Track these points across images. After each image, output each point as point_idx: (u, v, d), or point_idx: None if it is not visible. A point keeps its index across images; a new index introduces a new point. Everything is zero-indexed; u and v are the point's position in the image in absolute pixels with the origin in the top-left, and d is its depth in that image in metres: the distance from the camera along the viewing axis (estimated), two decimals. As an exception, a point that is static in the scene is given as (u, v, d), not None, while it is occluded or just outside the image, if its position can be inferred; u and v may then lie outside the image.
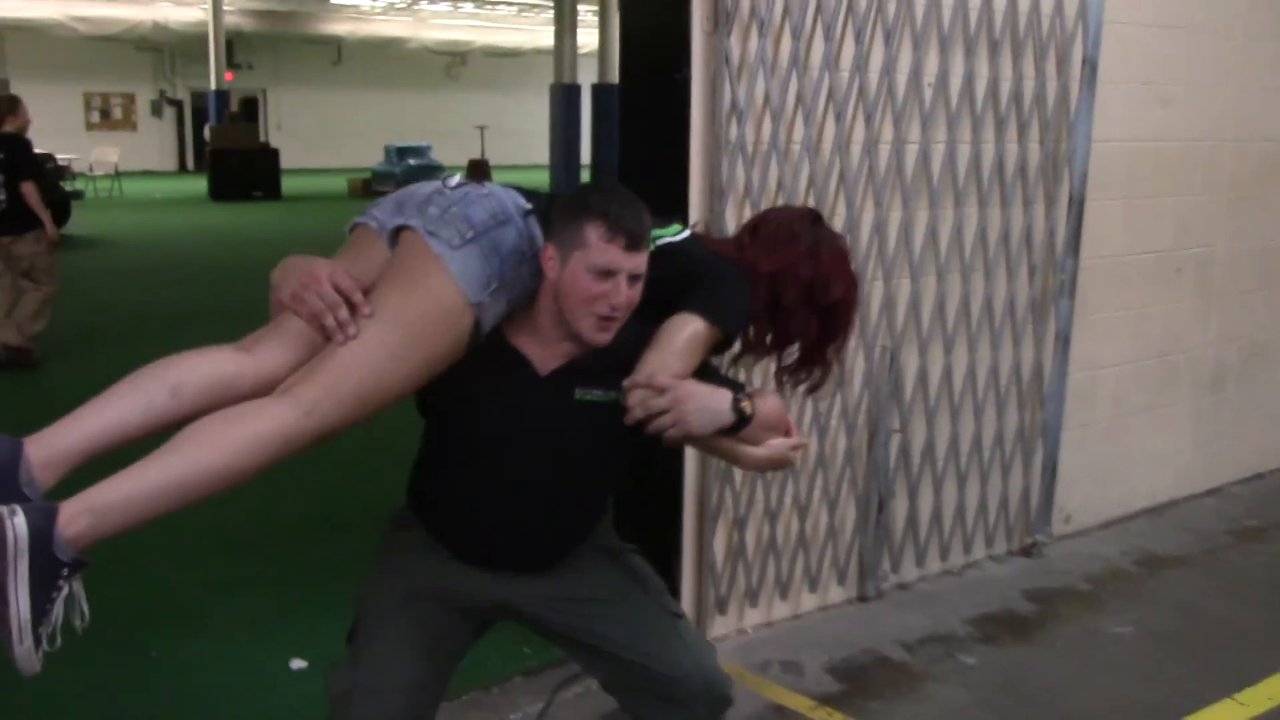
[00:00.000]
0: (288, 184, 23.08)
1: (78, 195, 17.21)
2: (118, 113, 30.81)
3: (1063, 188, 4.65)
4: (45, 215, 7.94)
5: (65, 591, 1.85)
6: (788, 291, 2.40)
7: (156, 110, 31.13)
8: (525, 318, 2.24)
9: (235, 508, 5.32)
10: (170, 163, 31.44)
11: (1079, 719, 3.65)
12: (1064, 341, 4.77)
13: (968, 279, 4.43)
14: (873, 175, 4.08)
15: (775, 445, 2.27)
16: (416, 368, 2.08)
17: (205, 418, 1.95)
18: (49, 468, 1.90)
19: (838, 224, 4.02)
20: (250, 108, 25.69)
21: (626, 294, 2.12)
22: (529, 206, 2.21)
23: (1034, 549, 4.91)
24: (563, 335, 2.22)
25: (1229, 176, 5.47)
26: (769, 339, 2.49)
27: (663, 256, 2.26)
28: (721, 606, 4.02)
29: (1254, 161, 5.56)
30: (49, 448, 1.91)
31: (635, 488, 3.49)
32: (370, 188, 23.34)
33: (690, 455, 3.85)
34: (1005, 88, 4.40)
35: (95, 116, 30.37)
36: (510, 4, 28.97)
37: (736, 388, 2.26)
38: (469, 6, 30.04)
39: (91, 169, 22.90)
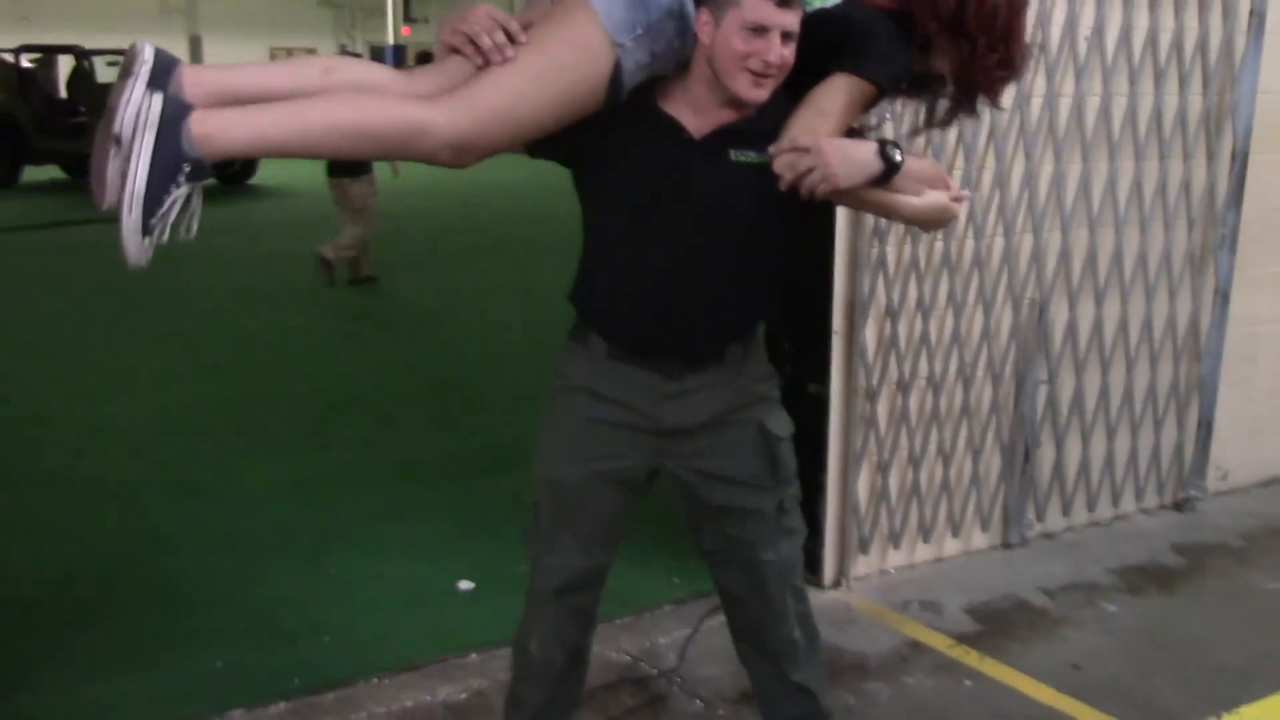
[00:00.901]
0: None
1: (264, 147, 17.90)
2: (301, 66, 32.01)
3: (1225, 140, 4.59)
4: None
5: (182, 190, 2.00)
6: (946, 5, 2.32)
7: (337, 64, 32.23)
8: (679, 87, 2.33)
9: (411, 443, 5.73)
10: (350, 115, 32.53)
11: (1220, 670, 3.67)
12: (1223, 296, 4.72)
13: (1121, 231, 4.43)
14: (1024, 129, 4.11)
15: (934, 195, 2.31)
16: (555, 96, 2.18)
17: (350, 90, 2.13)
18: (196, 89, 2.04)
19: (986, 177, 4.09)
20: (427, 60, 26.33)
21: (779, 51, 2.19)
22: None
23: (1187, 504, 4.89)
24: (718, 101, 2.29)
25: None
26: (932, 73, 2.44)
27: (817, 23, 2.31)
28: (864, 546, 4.16)
29: None
30: (203, 75, 2.07)
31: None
32: None
33: (835, 400, 3.98)
34: (1166, 39, 4.36)
35: (280, 70, 31.61)
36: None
37: (889, 142, 2.29)
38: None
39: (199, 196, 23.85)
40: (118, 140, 1.95)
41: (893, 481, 4.17)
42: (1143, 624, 3.97)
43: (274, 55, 31.20)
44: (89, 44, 17.30)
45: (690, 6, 2.26)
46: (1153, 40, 4.34)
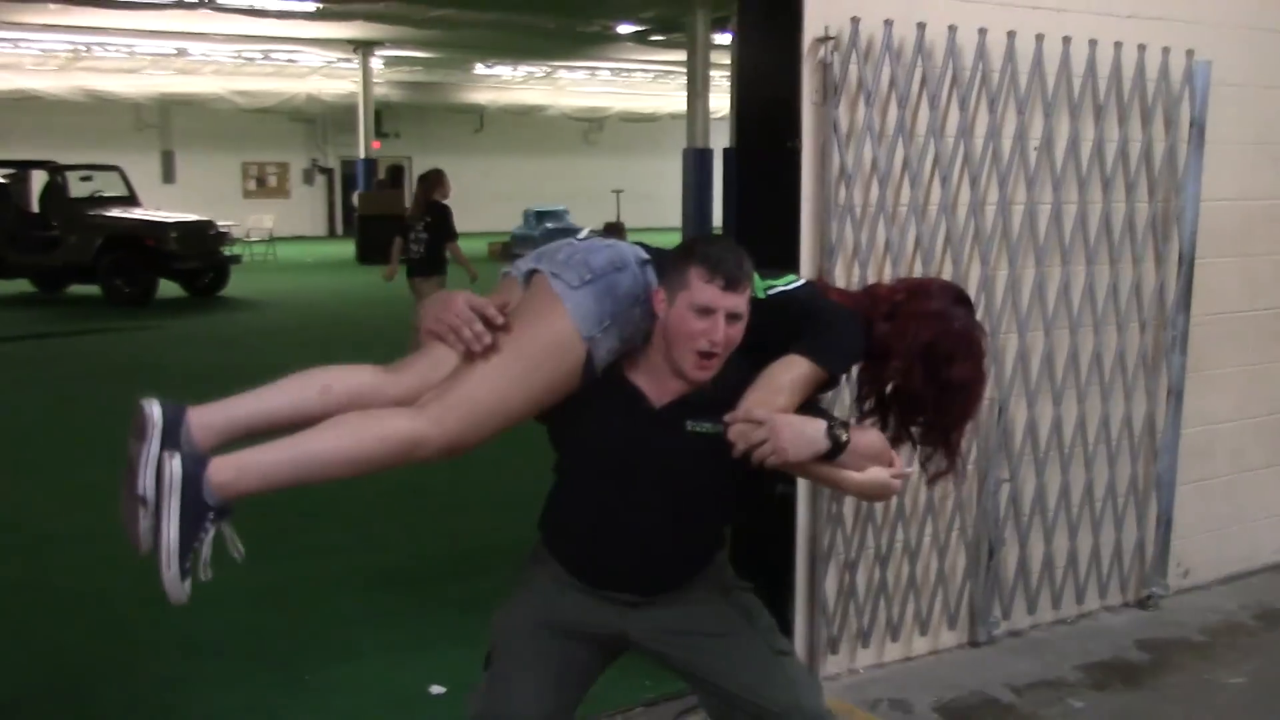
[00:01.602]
0: (431, 247, 23.95)
1: (235, 260, 18.14)
2: (272, 180, 32.31)
3: (1172, 245, 4.77)
4: (470, 267, 9.43)
5: (211, 533, 2.17)
6: (903, 342, 2.53)
7: (308, 178, 32.58)
8: (642, 357, 2.49)
9: (383, 548, 5.74)
10: (321, 228, 32.77)
11: (1185, 763, 3.74)
12: (1177, 396, 4.86)
13: (1076, 333, 4.57)
14: (978, 235, 4.27)
15: (876, 472, 2.42)
16: (534, 391, 2.35)
17: (348, 413, 2.27)
18: (205, 432, 2.22)
19: (945, 281, 4.23)
20: (397, 175, 26.67)
21: (725, 331, 2.35)
22: (647, 257, 2.48)
23: (1149, 601, 4.97)
24: (673, 372, 2.44)
25: (1350, 233, 5.49)
26: (884, 399, 2.64)
27: (774, 304, 2.48)
28: (834, 646, 4.20)
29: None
30: (208, 416, 2.24)
31: (750, 530, 3.74)
32: (510, 251, 24.05)
33: (802, 499, 4.07)
34: (1111, 149, 4.56)
35: (252, 184, 31.89)
36: (645, 71, 29.63)
37: (838, 421, 2.41)
38: (606, 74, 30.80)
39: (248, 234, 24.09)
40: (143, 501, 2.13)
41: (860, 579, 4.23)
42: (1108, 719, 4.02)
43: (245, 169, 31.54)
44: (65, 159, 17.49)
45: (653, 284, 2.43)
46: (1099, 150, 4.53)
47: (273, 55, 26.46)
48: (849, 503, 4.14)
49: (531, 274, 2.47)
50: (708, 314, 2.34)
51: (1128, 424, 4.79)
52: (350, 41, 24.80)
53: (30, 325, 14.24)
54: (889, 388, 2.63)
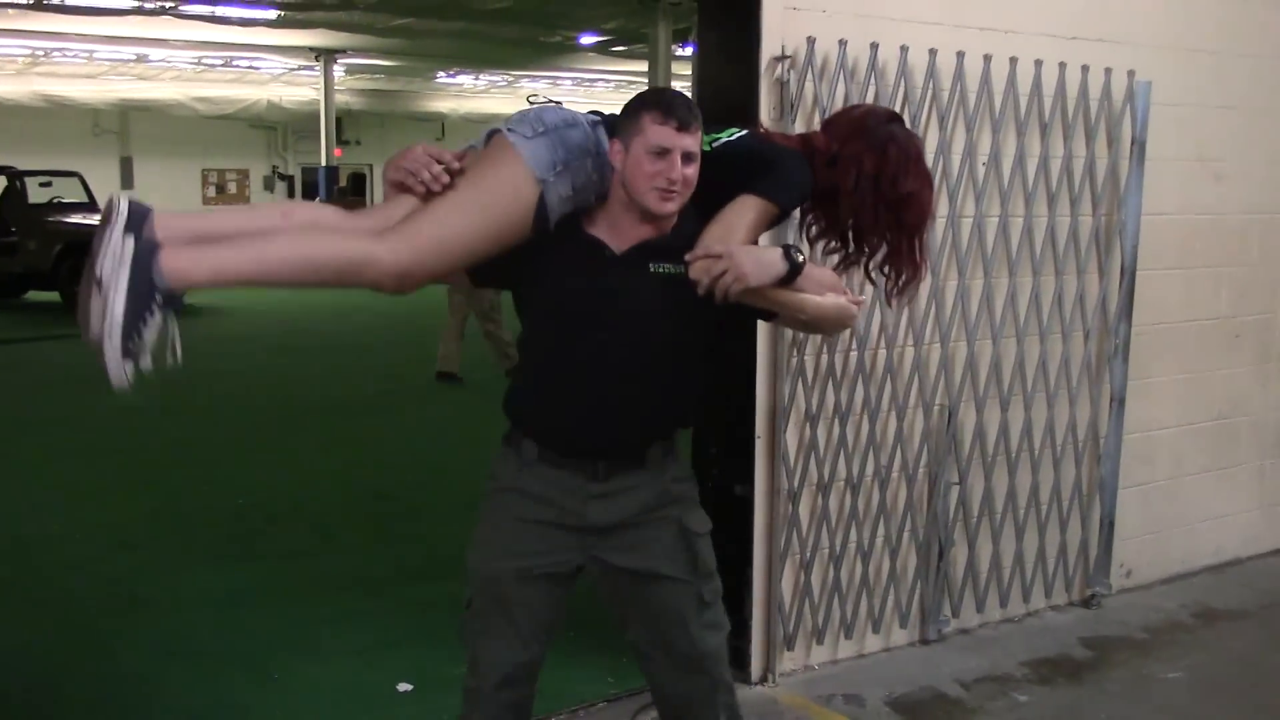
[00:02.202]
0: (392, 255, 23.96)
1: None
2: (232, 187, 32.19)
3: (1114, 257, 4.96)
4: None
5: (156, 317, 2.23)
6: (849, 178, 2.67)
7: (269, 185, 32.48)
8: (601, 213, 2.61)
9: (349, 551, 5.83)
10: (281, 235, 32.68)
11: (1123, 753, 3.91)
12: (1119, 403, 5.05)
13: (1022, 341, 4.75)
14: (928, 248, 4.43)
15: (834, 297, 2.56)
16: (485, 229, 2.47)
17: (307, 229, 2.41)
18: (168, 230, 2.30)
19: (897, 291, 4.39)
20: (359, 182, 26.66)
21: (681, 170, 2.48)
22: (597, 119, 2.63)
23: (1093, 600, 5.15)
24: (635, 220, 2.57)
25: (1286, 247, 5.72)
26: (843, 230, 2.76)
27: (722, 155, 2.62)
28: (789, 643, 4.35)
29: (1312, 232, 5.80)
30: (173, 220, 2.33)
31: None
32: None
33: (760, 501, 4.21)
34: (1056, 165, 4.74)
35: (212, 191, 31.77)
36: (607, 81, 29.81)
37: (793, 246, 2.55)
38: (568, 84, 30.95)
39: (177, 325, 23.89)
40: (99, 283, 2.20)
41: (815, 579, 4.38)
42: (1051, 712, 4.19)
43: (205, 176, 31.42)
44: (22, 165, 17.40)
45: (604, 144, 2.57)
46: (1045, 166, 4.72)
47: (234, 62, 26.39)
48: (804, 503, 4.29)
49: (490, 138, 2.60)
50: (664, 154, 2.47)
51: (1072, 429, 4.98)
52: (312, 49, 24.76)
53: (-11, 331, 14.19)
54: (848, 225, 2.75)
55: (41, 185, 17.19)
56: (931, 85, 4.35)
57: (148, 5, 17.73)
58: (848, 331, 4.23)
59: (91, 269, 2.21)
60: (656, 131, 2.47)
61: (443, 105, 32.11)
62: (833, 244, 2.84)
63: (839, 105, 4.13)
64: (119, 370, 2.21)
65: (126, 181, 29.29)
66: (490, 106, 32.65)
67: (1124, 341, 5.01)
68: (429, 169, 2.48)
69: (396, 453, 8.12)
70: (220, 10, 18.61)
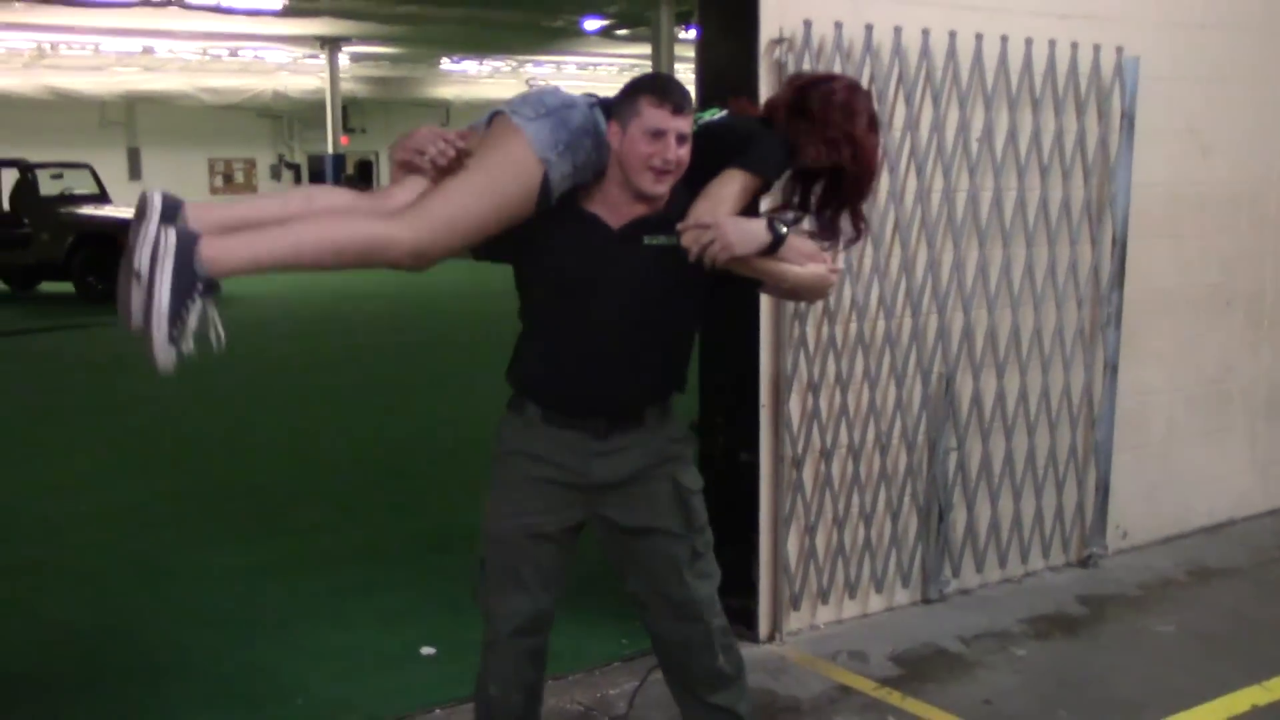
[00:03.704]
0: (400, 241, 24.12)
1: (207, 255, 18.30)
2: (239, 176, 32.38)
3: (1106, 228, 5.12)
4: None
5: (199, 305, 2.41)
6: (814, 141, 2.80)
7: (275, 174, 32.65)
8: (598, 190, 2.79)
9: (369, 526, 6.02)
10: (290, 223, 32.84)
11: (1115, 701, 4.08)
12: (1112, 369, 5.21)
13: (1017, 310, 4.91)
14: (925, 221, 4.60)
15: (815, 267, 2.76)
16: (494, 207, 2.64)
17: (331, 213, 2.60)
18: (200, 221, 2.48)
19: (894, 264, 4.56)
20: (365, 169, 26.88)
21: (675, 151, 2.65)
22: (595, 101, 2.80)
23: (1090, 560, 5.32)
24: (630, 198, 2.73)
25: (1276, 215, 5.86)
26: (804, 180, 2.92)
27: (706, 134, 2.81)
28: (795, 603, 4.53)
29: (1301, 201, 5.95)
30: (203, 211, 2.52)
31: (716, 495, 4.05)
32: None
33: (765, 468, 4.38)
34: (1047, 139, 4.90)
35: (219, 180, 31.95)
36: (611, 65, 29.90)
37: (776, 217, 2.73)
38: (572, 68, 31.04)
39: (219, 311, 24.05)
40: (138, 275, 2.37)
41: (820, 542, 4.56)
42: (1049, 665, 4.37)
43: (212, 165, 31.59)
44: (30, 157, 17.57)
45: (603, 125, 2.74)
46: (1036, 139, 4.87)
47: (239, 52, 26.52)
48: (809, 469, 4.46)
49: (493, 120, 2.77)
50: (659, 136, 2.65)
51: (1067, 395, 5.14)
52: (317, 38, 24.92)
53: (4, 322, 14.38)
54: (817, 182, 2.91)
55: (53, 177, 17.37)
56: (925, 64, 4.51)
57: (154, -3, 17.87)
58: (846, 302, 4.42)
59: (130, 262, 2.38)
60: (653, 114, 2.64)
61: (447, 91, 32.23)
62: (791, 208, 2.97)
63: (835, 85, 4.29)
64: (166, 356, 2.38)
65: (134, 172, 29.47)
66: (494, 92, 32.71)
67: (1116, 309, 5.17)
68: (434, 145, 2.66)
69: (411, 432, 8.31)
70: (225, 1, 18.74)
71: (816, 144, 2.82)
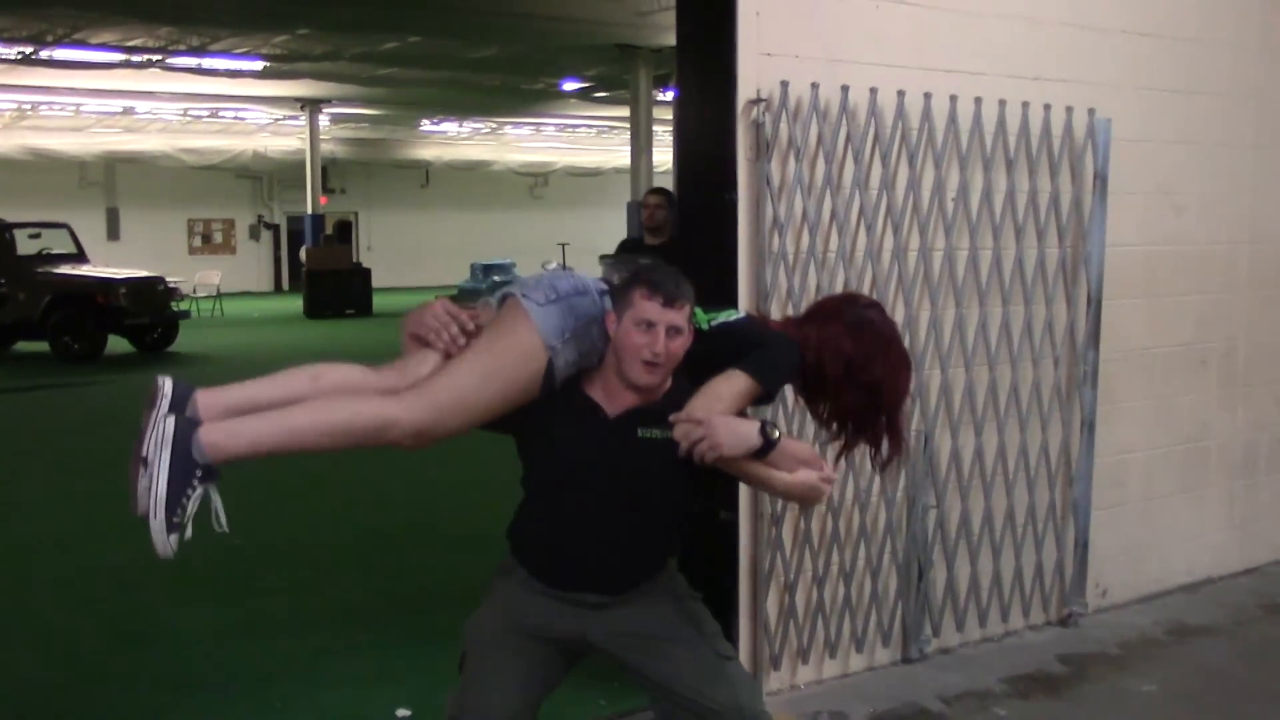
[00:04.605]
0: (379, 302, 24.17)
1: (184, 315, 18.31)
2: (218, 237, 32.41)
3: (1081, 287, 5.16)
4: None
5: (199, 491, 2.44)
6: (830, 365, 2.86)
7: (254, 234, 32.72)
8: (599, 375, 2.82)
9: (347, 586, 5.96)
10: (267, 283, 32.86)
11: (1098, 761, 4.06)
12: (1089, 427, 5.23)
13: (994, 368, 4.94)
14: (902, 279, 4.64)
15: (805, 474, 2.72)
16: (499, 391, 2.68)
17: (332, 395, 2.61)
18: (209, 409, 2.54)
19: (872, 321, 4.57)
20: (344, 230, 26.92)
21: (665, 343, 2.68)
22: (605, 288, 2.83)
23: (1070, 619, 5.31)
24: (625, 385, 2.76)
25: (1247, 275, 5.93)
26: (830, 413, 2.94)
27: (718, 333, 2.83)
28: (775, 663, 4.50)
29: (1272, 261, 6.02)
30: (213, 396, 2.57)
31: (696, 553, 4.03)
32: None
33: (744, 525, 4.37)
34: (1022, 199, 4.95)
35: (198, 241, 31.98)
36: (590, 127, 30.16)
37: (770, 423, 2.73)
38: (551, 129, 31.30)
39: (195, 290, 24.17)
40: (144, 461, 2.42)
41: (799, 600, 4.53)
42: (1030, 725, 4.34)
43: (191, 226, 31.60)
44: (8, 217, 17.56)
45: (609, 308, 2.77)
46: (1011, 200, 4.93)
47: (220, 113, 26.67)
48: (788, 527, 4.45)
49: (504, 300, 2.81)
50: (650, 328, 2.67)
51: (1045, 453, 5.16)
52: (298, 99, 25.10)
53: (-21, 383, 14.30)
54: (831, 408, 2.94)
55: (30, 237, 17.35)
56: (901, 125, 4.57)
57: (135, 59, 17.97)
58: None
59: (138, 448, 2.43)
60: (644, 306, 2.68)
61: (427, 153, 32.43)
62: (820, 426, 3.03)
63: (813, 145, 4.35)
64: (164, 543, 2.42)
65: (113, 233, 29.49)
66: (474, 153, 33.00)
67: (1093, 368, 5.20)
68: (449, 330, 2.71)
69: (388, 492, 8.24)
70: (207, 62, 18.86)
71: (832, 368, 2.86)
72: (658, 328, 2.68)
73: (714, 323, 2.86)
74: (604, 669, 3.74)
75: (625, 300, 2.71)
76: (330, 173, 30.59)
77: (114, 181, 29.96)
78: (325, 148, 28.89)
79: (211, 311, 23.63)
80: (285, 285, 32.46)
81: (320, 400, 2.58)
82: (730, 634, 4.33)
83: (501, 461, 3.13)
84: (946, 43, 4.75)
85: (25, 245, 17.09)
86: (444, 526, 7.01)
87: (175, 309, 17.81)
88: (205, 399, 2.54)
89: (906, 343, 4.57)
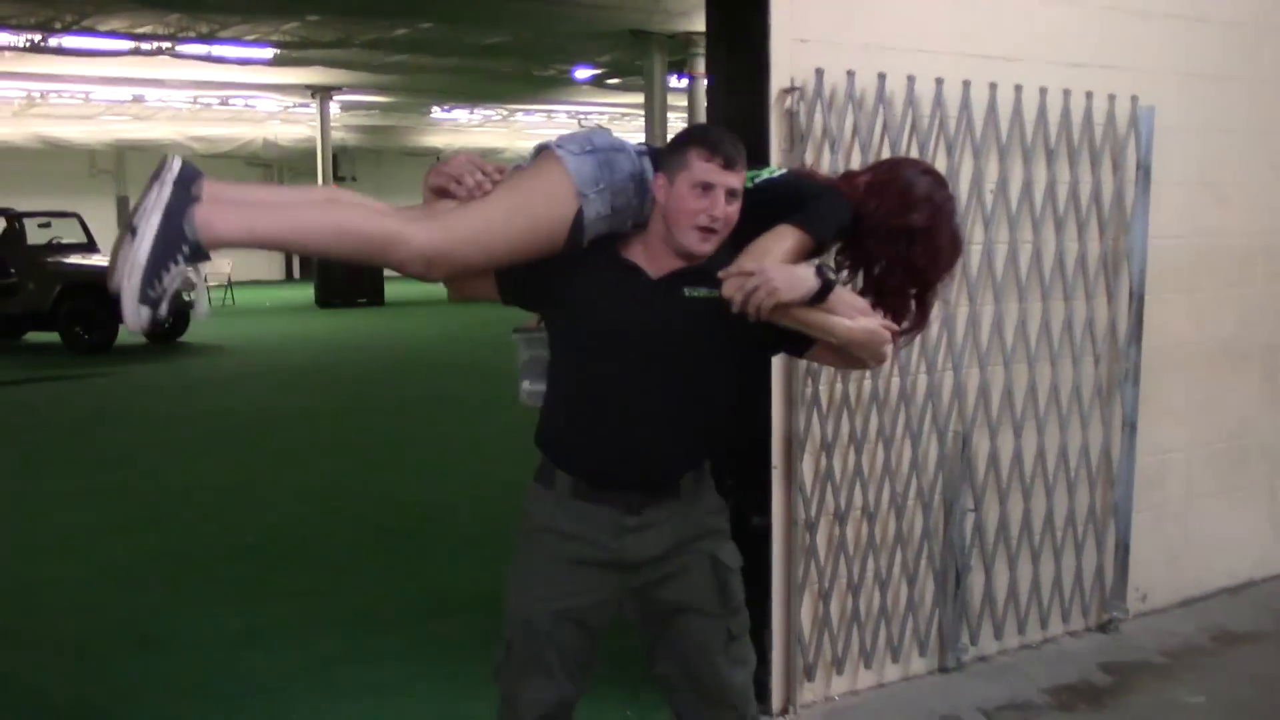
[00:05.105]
0: (390, 291, 24.00)
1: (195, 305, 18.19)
2: (229, 225, 32.27)
3: (1122, 282, 4.98)
4: None
5: (181, 268, 2.26)
6: (876, 228, 2.66)
7: (265, 222, 32.57)
8: (639, 241, 2.63)
9: (361, 590, 5.81)
10: (278, 272, 32.74)
11: (1148, 778, 3.89)
12: (1130, 427, 5.05)
13: (1034, 367, 4.76)
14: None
15: (866, 321, 2.53)
16: (521, 231, 2.50)
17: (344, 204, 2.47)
18: (213, 197, 2.35)
19: (909, 319, 4.40)
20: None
21: (724, 207, 2.49)
22: (644, 149, 2.64)
23: (1110, 625, 5.13)
24: (671, 251, 2.58)
25: (1292, 267, 5.74)
26: (865, 278, 2.76)
27: (763, 191, 2.64)
28: (809, 674, 4.33)
29: (1317, 252, 5.82)
30: (223, 186, 2.39)
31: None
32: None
33: (777, 532, 4.20)
34: (1063, 190, 4.76)
35: (208, 230, 31.83)
36: (602, 113, 29.94)
37: (826, 264, 2.53)
38: (563, 116, 31.07)
39: (206, 279, 24.02)
40: (133, 230, 2.23)
41: (834, 609, 4.37)
42: (1076, 739, 4.17)
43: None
44: (18, 206, 17.44)
45: (649, 173, 2.58)
46: (1051, 192, 4.74)
47: (230, 101, 26.48)
48: (822, 533, 4.28)
49: (539, 152, 2.63)
50: (708, 190, 2.48)
51: (1085, 454, 4.98)
52: (308, 87, 24.87)
53: (-9, 373, 14.19)
54: (877, 267, 2.74)
55: (40, 226, 17.24)
56: (939, 114, 4.38)
57: (145, 46, 17.80)
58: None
59: (130, 219, 2.26)
60: (702, 168, 2.48)
61: (438, 140, 32.23)
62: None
63: (848, 135, 4.17)
64: (134, 313, 2.22)
65: (124, 221, 29.32)
66: (486, 141, 32.79)
67: (1134, 365, 5.02)
68: (473, 175, 2.52)
69: (404, 490, 8.09)
70: (217, 50, 18.68)
71: (883, 225, 2.67)
72: (716, 190, 2.49)
73: (758, 179, 2.67)
74: (633, 679, 3.60)
75: (679, 162, 2.51)
76: (341, 160, 30.42)
77: (124, 170, 29.79)
78: (336, 135, 28.68)
79: (223, 301, 23.51)
80: (296, 274, 32.34)
81: (333, 201, 2.44)
82: (763, 644, 4.17)
83: (523, 455, 2.95)
84: (986, 28, 4.56)
85: (35, 235, 16.99)
86: (461, 525, 6.84)
87: (186, 299, 17.67)
88: (213, 186, 2.35)
89: (944, 341, 4.44)
